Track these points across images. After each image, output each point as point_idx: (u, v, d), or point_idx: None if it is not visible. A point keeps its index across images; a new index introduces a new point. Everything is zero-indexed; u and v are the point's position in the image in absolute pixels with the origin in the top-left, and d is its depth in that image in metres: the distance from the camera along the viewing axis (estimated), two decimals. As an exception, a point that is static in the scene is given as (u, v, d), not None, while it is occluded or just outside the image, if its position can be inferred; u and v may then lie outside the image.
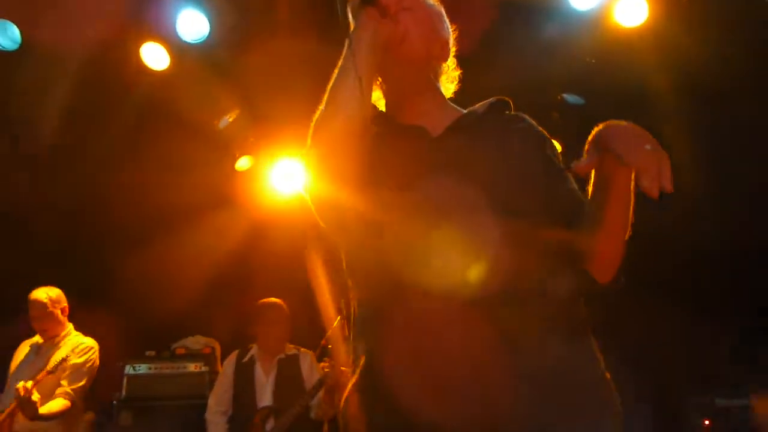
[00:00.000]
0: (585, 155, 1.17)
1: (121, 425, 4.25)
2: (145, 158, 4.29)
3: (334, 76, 1.25)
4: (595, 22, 3.62)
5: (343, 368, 3.66)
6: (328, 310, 4.06)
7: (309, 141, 1.25)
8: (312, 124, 1.26)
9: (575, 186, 1.37)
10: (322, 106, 1.25)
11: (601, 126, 1.17)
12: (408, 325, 1.18)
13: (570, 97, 4.33)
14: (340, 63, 1.26)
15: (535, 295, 1.19)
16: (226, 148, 4.49)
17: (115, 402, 4.34)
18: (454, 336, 1.14)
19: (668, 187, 1.01)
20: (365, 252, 1.28)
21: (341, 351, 3.70)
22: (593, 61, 3.96)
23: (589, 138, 1.18)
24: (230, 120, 4.30)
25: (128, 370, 4.42)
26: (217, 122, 4.27)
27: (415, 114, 1.40)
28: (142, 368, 4.45)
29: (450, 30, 1.49)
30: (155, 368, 4.48)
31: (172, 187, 4.34)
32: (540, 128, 1.43)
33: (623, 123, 1.15)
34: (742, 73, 3.75)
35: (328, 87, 1.25)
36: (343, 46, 1.24)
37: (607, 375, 1.23)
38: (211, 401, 3.86)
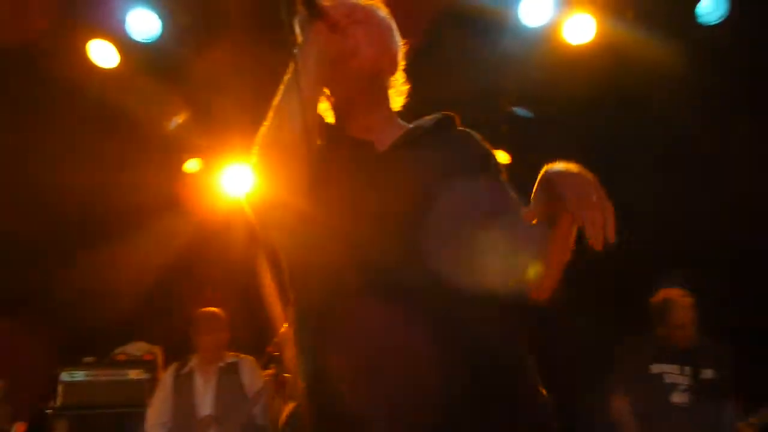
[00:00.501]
0: (533, 196, 1.21)
1: (55, 435, 4.10)
2: (88, 158, 4.16)
3: (281, 90, 1.26)
4: (545, 38, 3.72)
5: (287, 375, 3.64)
6: (275, 316, 4.02)
7: (255, 153, 1.26)
8: (258, 136, 1.26)
9: (518, 209, 1.39)
10: (268, 119, 1.25)
11: (551, 168, 1.20)
12: (351, 327, 1.19)
13: (519, 110, 4.43)
14: (286, 78, 1.26)
15: (471, 294, 1.22)
16: (174, 151, 4.40)
17: (49, 411, 4.16)
18: (395, 336, 1.17)
19: (611, 239, 1.05)
20: (306, 256, 1.28)
21: (287, 357, 3.67)
22: (542, 76, 4.08)
23: (539, 178, 1.20)
24: (180, 122, 4.23)
25: (64, 377, 4.23)
26: (166, 123, 4.20)
27: (362, 127, 1.40)
28: (79, 375, 4.28)
29: (400, 44, 1.50)
30: (93, 375, 4.32)
31: (116, 189, 4.24)
32: (486, 145, 1.46)
33: (573, 169, 1.18)
34: (682, 92, 3.92)
35: (275, 101, 1.26)
36: (292, 54, 1.24)
37: (535, 372, 1.28)
38: (150, 414, 3.73)
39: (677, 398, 3.41)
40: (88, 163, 4.19)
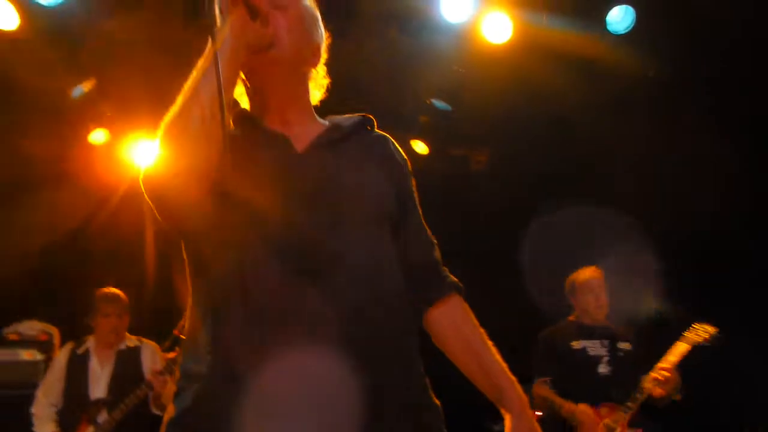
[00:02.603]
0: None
1: (-66, 418, 3.83)
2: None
3: (193, 74, 1.19)
4: (465, 35, 3.80)
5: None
6: (182, 298, 3.91)
7: (159, 137, 1.18)
8: (164, 120, 1.18)
9: (424, 227, 1.47)
10: (177, 103, 1.18)
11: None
12: (255, 307, 1.16)
13: (438, 103, 4.51)
14: (200, 62, 1.19)
15: (386, 312, 1.24)
16: (75, 121, 4.16)
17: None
18: (300, 315, 1.16)
19: None
20: (210, 235, 1.22)
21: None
22: (461, 70, 4.17)
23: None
24: (85, 90, 4.00)
25: (-53, 357, 3.98)
26: (69, 91, 3.96)
27: (279, 119, 1.36)
28: (-35, 355, 4.04)
29: (323, 35, 1.46)
30: (-19, 355, 4.08)
31: (10, 158, 3.96)
32: (401, 152, 1.47)
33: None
34: (584, 101, 4.12)
35: (186, 85, 1.19)
36: (206, 34, 1.18)
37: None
38: (40, 394, 3.56)
39: (602, 369, 3.51)
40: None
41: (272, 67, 1.32)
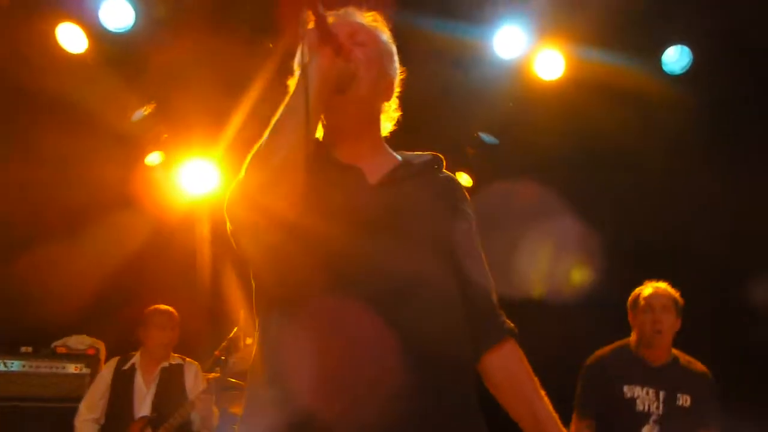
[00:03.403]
0: None
1: (-18, 426, 3.94)
2: (44, 151, 4.03)
3: (281, 108, 1.24)
4: (517, 70, 3.81)
5: (231, 380, 3.58)
6: (227, 320, 3.96)
7: (244, 169, 1.22)
8: (251, 153, 1.23)
9: (485, 269, 1.48)
10: (265, 137, 1.23)
11: None
12: (319, 331, 1.18)
13: (486, 137, 4.51)
14: (288, 97, 1.24)
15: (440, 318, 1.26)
16: (135, 144, 4.30)
17: (-20, 400, 4.01)
18: (362, 343, 1.17)
19: None
20: (281, 263, 1.25)
21: (234, 361, 3.61)
22: (511, 104, 4.17)
23: None
24: (145, 113, 4.14)
25: (-1, 366, 4.10)
26: (129, 115, 4.11)
27: (352, 153, 1.38)
28: (15, 365, 4.14)
29: (398, 69, 1.48)
30: (30, 366, 4.18)
31: (72, 183, 4.10)
32: (466, 193, 1.49)
33: None
34: (630, 144, 4.06)
35: (274, 119, 1.23)
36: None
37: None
38: (83, 407, 3.61)
39: (647, 431, 2.95)
40: (44, 156, 4.07)
41: (348, 102, 1.34)
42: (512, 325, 1.47)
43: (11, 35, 3.50)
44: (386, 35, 1.47)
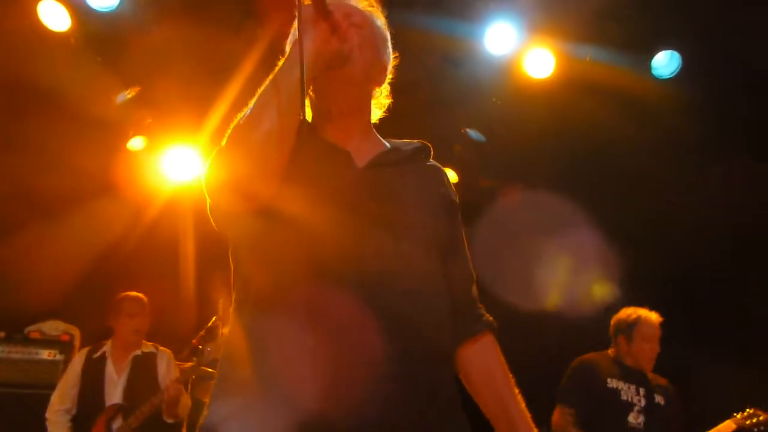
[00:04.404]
0: None
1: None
2: (20, 134, 3.95)
3: (266, 82, 1.21)
4: (507, 68, 3.79)
5: (206, 369, 3.53)
6: (209, 308, 3.91)
7: (225, 140, 1.19)
8: (232, 124, 1.20)
9: (468, 261, 1.47)
10: (247, 109, 1.20)
11: None
12: (307, 318, 1.16)
13: (472, 133, 4.50)
14: (276, 71, 1.22)
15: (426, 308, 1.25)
16: (117, 128, 4.22)
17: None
18: (352, 331, 1.16)
19: None
20: (266, 247, 1.24)
21: (210, 350, 3.56)
22: (498, 102, 4.15)
23: None
24: (129, 96, 4.06)
25: (-32, 351, 4.03)
26: (113, 98, 4.03)
27: (340, 135, 1.36)
28: (-14, 350, 4.08)
29: (391, 56, 1.48)
30: (2, 351, 4.11)
31: (52, 167, 4.02)
32: (452, 185, 1.48)
33: None
34: (622, 141, 4.06)
35: (258, 91, 1.21)
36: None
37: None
38: (54, 399, 3.54)
39: (633, 419, 3.26)
40: (23, 140, 3.99)
41: (340, 83, 1.33)
42: (491, 318, 1.45)
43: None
44: (381, 21, 1.46)
